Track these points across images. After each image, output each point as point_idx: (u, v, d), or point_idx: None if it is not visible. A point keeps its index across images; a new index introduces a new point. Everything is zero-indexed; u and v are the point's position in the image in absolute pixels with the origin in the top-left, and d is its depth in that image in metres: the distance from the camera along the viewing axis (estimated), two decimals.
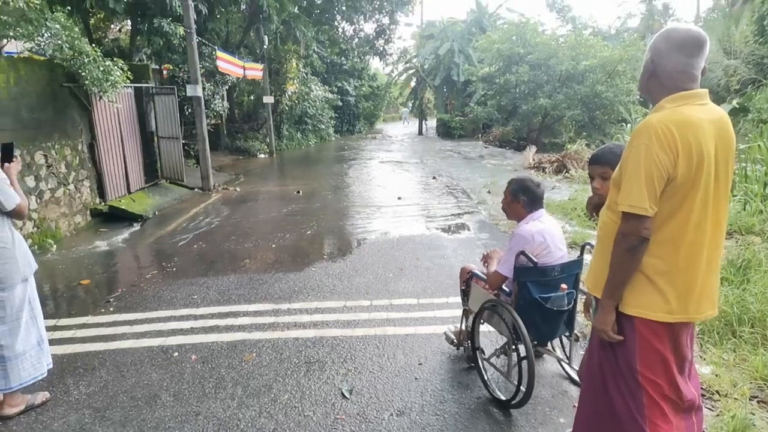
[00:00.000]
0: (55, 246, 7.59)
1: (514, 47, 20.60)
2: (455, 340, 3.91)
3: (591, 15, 33.41)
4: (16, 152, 3.48)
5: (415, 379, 3.65)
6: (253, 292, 5.45)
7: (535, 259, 3.08)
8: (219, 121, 19.90)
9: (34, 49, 8.98)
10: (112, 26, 18.50)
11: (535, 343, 3.26)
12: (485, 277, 3.48)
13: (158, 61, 16.96)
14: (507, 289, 3.31)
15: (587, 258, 2.96)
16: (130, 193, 10.45)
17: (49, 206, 8.11)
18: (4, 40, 8.50)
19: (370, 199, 10.96)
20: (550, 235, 3.20)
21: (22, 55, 8.87)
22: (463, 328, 3.82)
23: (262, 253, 6.98)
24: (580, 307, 3.50)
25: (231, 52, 17.54)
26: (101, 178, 9.58)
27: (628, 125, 15.04)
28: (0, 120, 7.21)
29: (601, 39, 20.59)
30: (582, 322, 4.19)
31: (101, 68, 8.22)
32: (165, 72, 16.77)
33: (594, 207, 2.75)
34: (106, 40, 16.98)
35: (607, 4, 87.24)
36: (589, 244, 3.38)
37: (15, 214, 3.41)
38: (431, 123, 37.62)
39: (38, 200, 7.85)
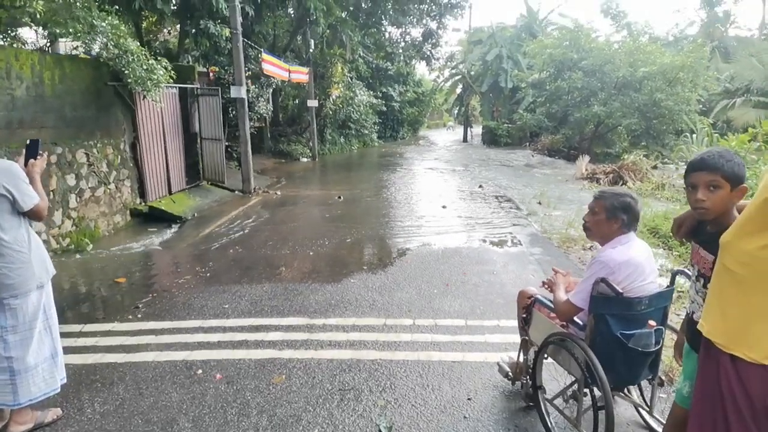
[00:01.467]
0: (91, 245, 7.46)
1: (567, 52, 19.80)
2: (510, 373, 3.41)
3: (647, 22, 32.07)
4: (42, 150, 3.19)
5: (464, 418, 3.17)
6: (287, 303, 5.09)
7: (620, 289, 2.56)
8: (263, 124, 19.87)
9: (80, 49, 8.98)
10: (165, 30, 18.75)
11: (612, 386, 2.74)
12: (551, 304, 2.98)
13: (206, 63, 17.06)
14: (580, 322, 2.80)
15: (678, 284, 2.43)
16: (171, 193, 10.34)
17: (88, 205, 8.01)
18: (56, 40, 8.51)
19: (414, 207, 10.51)
20: (639, 265, 2.65)
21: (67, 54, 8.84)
22: (521, 360, 3.31)
23: (299, 261, 6.63)
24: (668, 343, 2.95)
25: (277, 55, 17.47)
26: (142, 178, 9.49)
27: (693, 135, 14.08)
28: (43, 117, 7.14)
29: (660, 46, 19.55)
30: (669, 365, 3.54)
31: (145, 67, 8.09)
32: (212, 74, 16.81)
33: (688, 228, 2.22)
34: (156, 42, 17.15)
35: (664, 11, 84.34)
36: (682, 272, 2.83)
37: (33, 215, 3.11)
38: (476, 130, 36.89)
39: (78, 199, 7.75)
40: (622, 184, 13.09)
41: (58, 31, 7.53)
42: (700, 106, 18.08)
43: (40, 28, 8.50)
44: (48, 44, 9.33)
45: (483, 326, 4.50)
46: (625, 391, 2.98)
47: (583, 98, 19.64)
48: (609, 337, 2.65)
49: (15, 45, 7.99)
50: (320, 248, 7.21)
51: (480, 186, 13.19)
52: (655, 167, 14.35)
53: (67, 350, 4.07)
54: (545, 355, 3.03)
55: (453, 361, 3.87)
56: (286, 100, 24.46)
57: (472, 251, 6.99)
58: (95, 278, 6.20)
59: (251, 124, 16.07)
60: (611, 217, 2.72)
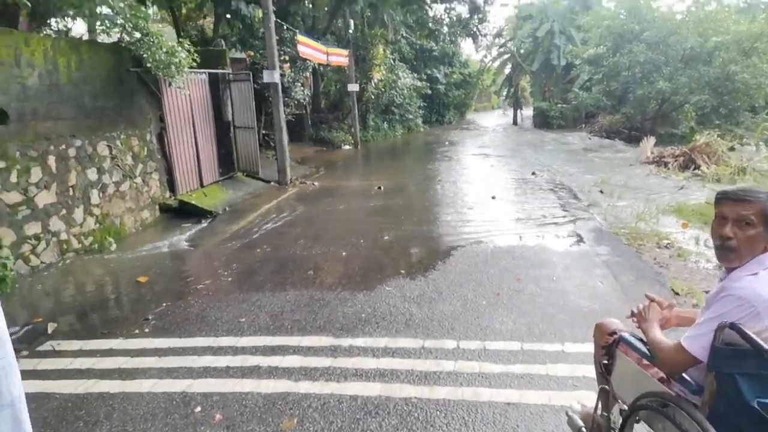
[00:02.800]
0: (114, 245, 7.01)
1: (627, 24, 18.18)
2: (584, 430, 2.59)
3: None
4: None
5: None
6: (311, 317, 4.39)
7: (761, 342, 1.70)
8: (303, 111, 19.28)
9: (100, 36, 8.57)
10: (204, 18, 18.36)
11: None
12: (644, 348, 2.13)
13: (242, 48, 16.56)
14: (691, 381, 1.94)
15: None
16: (202, 186, 9.85)
17: (113, 201, 7.57)
18: (70, 22, 8.07)
19: (460, 197, 9.65)
20: None
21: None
22: (599, 414, 2.48)
23: (329, 263, 5.93)
24: None
25: (316, 38, 16.78)
26: (171, 171, 9.01)
27: None
28: (59, 108, 6.67)
29: (734, 12, 17.69)
30: None
31: (165, 50, 7.53)
32: (247, 59, 16.31)
33: None
34: (192, 30, 16.75)
35: None
36: None
37: None
38: (527, 112, 35.23)
39: (101, 194, 7.31)
40: (694, 169, 11.78)
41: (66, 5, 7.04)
42: None
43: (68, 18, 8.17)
44: (66, 30, 8.89)
45: (543, 352, 3.66)
46: None
47: (645, 74, 18.01)
48: (740, 406, 1.79)
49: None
50: (354, 248, 6.49)
51: (533, 173, 12.13)
52: (732, 149, 12.88)
53: (61, 374, 3.57)
54: (637, 419, 2.19)
55: (507, 402, 3.07)
56: (329, 86, 23.78)
57: (527, 251, 6.10)
58: (111, 283, 5.72)
59: (288, 110, 15.49)
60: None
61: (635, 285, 4.93)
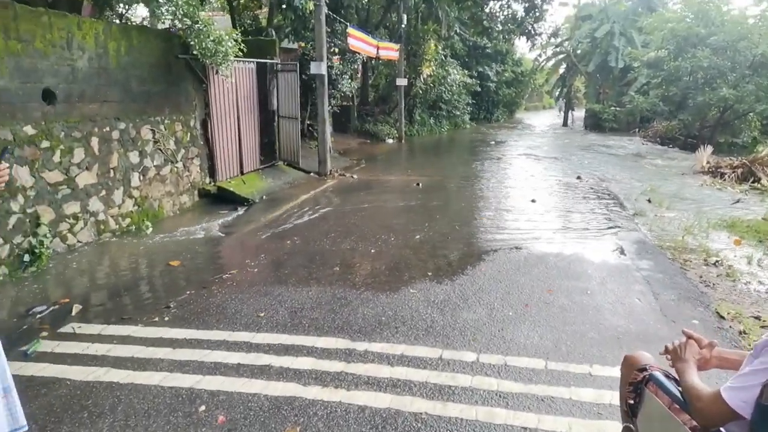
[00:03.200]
0: (151, 228, 7.13)
1: (693, 26, 17.28)
2: None
3: None
4: (6, 156, 2.56)
5: None
6: (330, 316, 4.30)
7: None
8: (350, 103, 19.26)
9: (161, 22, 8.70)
10: (262, 8, 18.54)
11: None
12: (677, 392, 1.92)
13: (295, 38, 16.64)
14: None
15: None
16: (242, 174, 9.94)
17: (153, 184, 7.71)
18: (125, 7, 8.23)
19: (498, 200, 9.36)
20: None
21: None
22: None
23: (357, 260, 5.83)
24: None
25: (368, 31, 16.68)
26: (212, 157, 9.11)
27: None
28: (106, 91, 6.81)
29: None
30: None
31: (212, 38, 7.57)
32: (299, 50, 16.37)
33: None
34: (247, 16, 16.93)
35: None
36: None
37: None
38: (578, 114, 34.16)
39: (141, 177, 7.44)
40: (753, 181, 11.07)
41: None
42: None
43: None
44: (127, 15, 9.10)
45: (569, 373, 3.44)
46: None
47: (707, 79, 17.11)
48: None
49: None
50: (384, 245, 6.37)
51: (578, 177, 11.68)
52: None
53: (75, 359, 3.59)
54: None
55: (523, 426, 2.88)
56: (378, 79, 23.68)
57: (562, 260, 5.82)
58: (142, 266, 5.80)
59: (334, 102, 15.48)
60: None
61: (676, 305, 4.61)
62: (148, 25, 10.65)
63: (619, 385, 2.30)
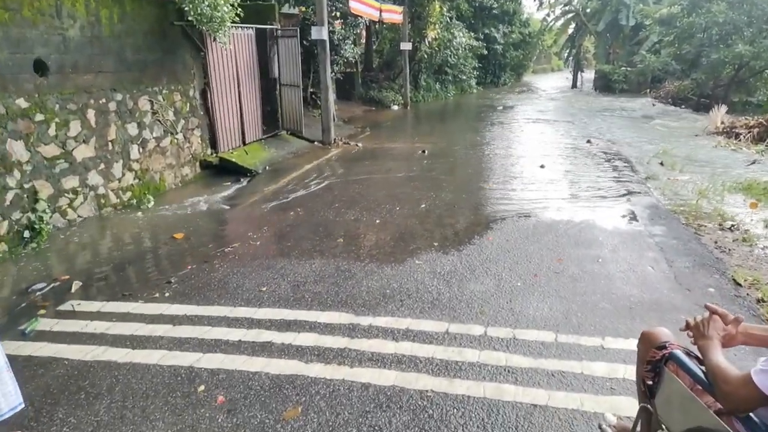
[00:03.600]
0: (152, 201, 7.02)
1: None
2: None
3: None
4: None
5: None
6: (333, 290, 4.19)
7: None
8: (353, 69, 18.84)
9: None
10: None
11: None
12: (701, 373, 1.78)
13: (296, 3, 16.18)
14: (759, 422, 1.59)
15: None
16: (245, 144, 9.76)
17: (153, 156, 7.56)
18: None
19: (506, 166, 9.14)
20: None
21: None
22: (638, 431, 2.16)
23: (361, 230, 5.71)
24: None
25: None
26: (213, 128, 8.93)
27: None
28: (101, 60, 6.60)
29: None
30: None
31: (206, 2, 7.29)
32: (300, 14, 15.93)
33: None
34: None
35: None
36: None
37: None
38: (588, 75, 33.39)
39: (141, 150, 7.29)
40: None
41: None
42: None
43: None
44: None
45: (580, 346, 3.32)
46: None
47: (723, 36, 16.53)
48: None
49: None
50: (389, 215, 6.23)
51: (588, 141, 11.40)
52: None
53: (74, 338, 3.53)
54: None
55: (532, 404, 2.78)
56: (382, 44, 23.12)
57: (572, 227, 5.66)
58: (143, 240, 5.70)
59: (337, 68, 15.13)
60: None
61: (691, 273, 4.46)
62: None
63: (636, 362, 2.17)
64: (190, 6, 7.25)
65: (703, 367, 1.80)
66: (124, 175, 6.98)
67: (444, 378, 3.01)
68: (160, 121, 7.67)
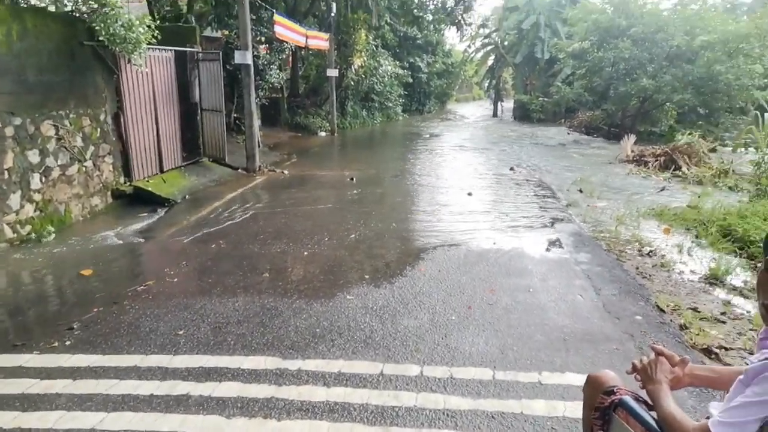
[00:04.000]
0: (53, 235, 6.39)
1: (615, 18, 17.85)
2: None
3: None
4: None
5: None
6: (258, 331, 3.89)
7: None
8: (279, 95, 18.57)
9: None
10: None
11: None
12: (652, 421, 1.69)
13: (219, 26, 15.77)
14: None
15: None
16: (162, 172, 9.21)
17: (57, 186, 6.93)
18: None
19: (434, 194, 9.18)
20: None
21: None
22: None
23: (289, 263, 5.43)
24: None
25: (296, 20, 16.07)
26: (127, 155, 8.36)
27: (766, 115, 12.22)
28: None
29: (720, 11, 17.47)
30: None
31: (120, 22, 6.86)
32: (223, 38, 15.55)
33: None
34: (166, 2, 15.86)
35: None
36: None
37: None
38: (507, 105, 34.90)
39: (43, 179, 6.66)
40: (674, 169, 11.51)
41: None
42: (766, 80, 16.08)
43: None
44: None
45: (518, 383, 3.22)
46: None
47: (629, 70, 17.75)
48: None
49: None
50: (318, 246, 5.99)
51: (511, 168, 11.73)
52: (713, 150, 12.65)
53: None
54: None
55: None
56: (308, 70, 23.03)
57: (502, 256, 5.67)
58: (43, 280, 5.12)
59: (263, 93, 14.83)
60: None
61: (618, 300, 4.54)
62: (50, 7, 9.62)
63: (583, 408, 2.06)
64: (102, 25, 6.80)
65: (653, 413, 1.72)
66: (22, 206, 6.32)
67: (380, 427, 2.80)
68: (66, 148, 7.06)
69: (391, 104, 25.59)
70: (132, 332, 3.89)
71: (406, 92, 28.04)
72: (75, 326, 3.99)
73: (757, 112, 14.09)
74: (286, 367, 3.38)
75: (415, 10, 23.75)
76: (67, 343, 3.75)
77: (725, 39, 15.11)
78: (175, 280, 5.00)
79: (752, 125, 13.38)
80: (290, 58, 20.28)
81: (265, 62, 14.06)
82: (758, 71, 15.19)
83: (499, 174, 11.15)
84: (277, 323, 4.02)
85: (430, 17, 24.36)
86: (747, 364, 1.54)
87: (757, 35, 14.74)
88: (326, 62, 19.56)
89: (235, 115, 14.02)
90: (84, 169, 7.43)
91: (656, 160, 12.06)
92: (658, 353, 1.84)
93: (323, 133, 18.88)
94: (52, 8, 8.96)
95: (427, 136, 19.72)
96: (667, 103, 17.56)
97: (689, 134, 12.72)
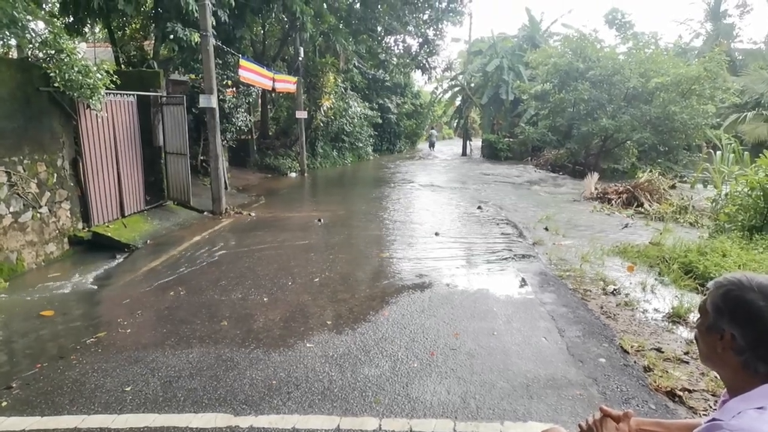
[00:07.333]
0: (4, 284, 6.11)
1: (573, 62, 18.55)
2: None
3: (654, 33, 30.87)
4: None
5: None
6: (211, 385, 3.71)
7: None
8: (248, 137, 18.55)
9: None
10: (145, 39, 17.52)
11: None
12: None
13: (185, 70, 15.79)
14: None
15: None
16: (123, 216, 9.00)
17: (9, 234, 6.67)
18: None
19: (402, 233, 9.15)
20: None
21: None
22: None
23: (249, 311, 5.26)
24: None
25: (266, 64, 16.21)
26: (86, 200, 8.14)
27: (718, 153, 12.71)
28: None
29: (672, 55, 18.34)
30: None
31: (76, 68, 6.78)
32: (189, 82, 15.55)
33: None
34: (133, 47, 15.88)
35: (667, 23, 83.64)
36: None
37: None
38: (476, 143, 35.60)
39: None
40: (636, 206, 11.77)
41: None
42: (718, 119, 16.81)
43: None
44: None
45: None
46: None
47: (589, 111, 18.36)
48: None
49: None
50: (281, 291, 5.85)
51: (479, 207, 11.82)
52: (673, 186, 13.02)
53: None
54: None
55: None
56: (279, 112, 23.17)
57: (467, 298, 5.61)
58: None
59: (231, 136, 14.82)
60: (727, 345, 1.37)
61: (582, 342, 4.50)
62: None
63: None
64: (57, 72, 6.70)
65: None
66: None
67: None
68: (19, 194, 6.84)
69: (361, 144, 25.81)
70: (76, 390, 3.67)
71: (376, 132, 28.39)
72: (14, 385, 3.75)
73: (711, 150, 14.65)
74: (237, 425, 3.21)
75: (381, 54, 24.27)
76: (4, 404, 3.51)
77: (678, 81, 15.81)
78: (128, 330, 4.79)
79: (707, 162, 13.87)
80: (260, 100, 20.40)
81: (232, 105, 14.08)
82: (711, 111, 15.86)
83: (466, 213, 11.22)
84: (231, 376, 3.85)
85: (395, 61, 24.92)
86: (709, 409, 1.48)
87: (707, 77, 15.46)
88: (296, 104, 19.72)
89: (202, 157, 13.91)
90: (39, 215, 7.19)
91: (619, 197, 12.32)
92: (605, 414, 1.77)
93: (293, 174, 18.84)
94: (14, 53, 8.91)
95: (397, 175, 19.87)
96: (628, 142, 18.14)
97: (649, 171, 13.10)
